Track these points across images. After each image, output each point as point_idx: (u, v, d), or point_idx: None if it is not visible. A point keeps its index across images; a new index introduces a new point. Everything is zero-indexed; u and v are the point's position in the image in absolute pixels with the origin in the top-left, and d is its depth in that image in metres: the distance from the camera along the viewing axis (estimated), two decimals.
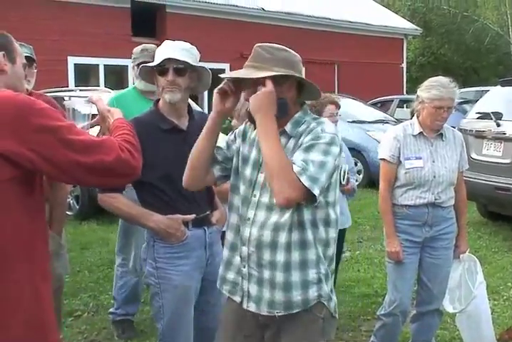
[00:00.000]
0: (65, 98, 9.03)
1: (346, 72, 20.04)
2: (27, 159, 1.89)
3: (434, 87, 3.71)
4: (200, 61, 3.16)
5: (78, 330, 4.70)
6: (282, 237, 2.39)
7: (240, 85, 2.45)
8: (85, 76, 14.85)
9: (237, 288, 2.53)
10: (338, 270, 5.06)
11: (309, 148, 2.29)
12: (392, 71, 21.69)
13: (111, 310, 4.75)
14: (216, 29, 16.48)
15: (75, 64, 14.30)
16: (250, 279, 2.48)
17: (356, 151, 10.36)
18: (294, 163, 2.25)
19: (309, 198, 2.26)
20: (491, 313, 4.32)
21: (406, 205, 3.83)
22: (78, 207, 8.62)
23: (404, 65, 23.12)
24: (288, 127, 2.43)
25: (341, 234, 4.86)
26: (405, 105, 15.23)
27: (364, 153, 11.09)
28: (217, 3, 16.75)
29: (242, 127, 2.60)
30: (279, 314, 2.45)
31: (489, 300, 4.34)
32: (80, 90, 9.91)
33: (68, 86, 13.01)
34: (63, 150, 1.92)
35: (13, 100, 1.93)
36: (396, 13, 25.98)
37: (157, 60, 3.03)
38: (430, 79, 3.83)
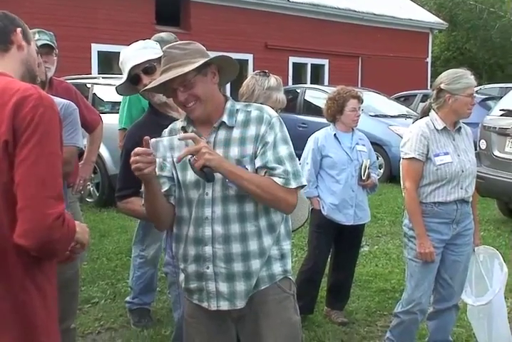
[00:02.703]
0: (88, 85, 9.09)
1: (370, 65, 19.91)
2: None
3: (462, 78, 3.73)
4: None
5: (94, 317, 4.73)
6: (252, 226, 2.42)
7: (167, 91, 2.47)
8: (108, 64, 14.88)
9: (203, 293, 2.50)
10: (356, 264, 5.04)
11: (273, 145, 2.39)
12: (417, 65, 21.51)
13: (128, 299, 4.77)
14: (240, 19, 16.45)
15: (98, 51, 14.35)
16: (217, 278, 2.45)
17: (377, 145, 10.28)
18: (272, 169, 2.37)
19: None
20: (508, 313, 4.27)
21: (435, 203, 3.77)
22: (98, 194, 8.68)
23: (429, 59, 22.92)
24: (225, 119, 2.44)
25: (360, 228, 4.84)
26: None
27: (386, 148, 11.02)
28: None
29: (164, 141, 2.49)
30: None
31: (506, 299, 4.28)
32: (103, 77, 9.94)
33: (91, 73, 13.05)
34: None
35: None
36: (422, 7, 25.73)
37: (125, 75, 3.09)
38: (449, 71, 3.83)
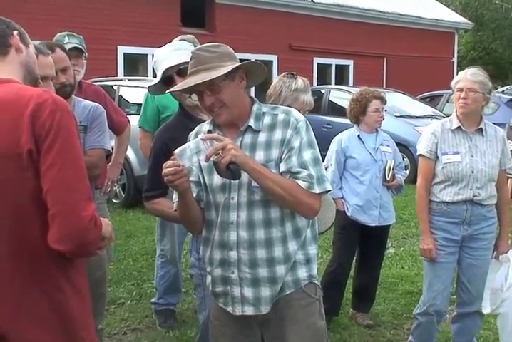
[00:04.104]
0: (114, 87, 9.15)
1: (395, 65, 19.79)
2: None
3: (459, 74, 3.82)
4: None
5: (121, 317, 4.76)
6: (277, 232, 2.40)
7: (194, 93, 2.46)
8: (134, 66, 14.99)
9: (228, 298, 2.49)
10: (381, 266, 5.02)
11: (298, 149, 2.37)
12: (442, 65, 21.33)
13: (153, 300, 4.80)
14: (265, 20, 16.45)
15: (124, 53, 14.45)
16: (242, 283, 2.44)
17: (403, 146, 10.21)
18: (296, 173, 2.35)
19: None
20: None
21: (444, 202, 3.77)
22: (124, 196, 8.73)
23: (455, 59, 22.73)
24: (252, 123, 2.42)
25: (385, 230, 4.81)
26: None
27: (411, 148, 10.92)
28: None
29: (190, 145, 2.38)
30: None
31: None
32: (129, 79, 10.01)
33: (117, 75, 13.15)
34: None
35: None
36: (448, 6, 25.53)
37: (159, 75, 3.09)
38: None
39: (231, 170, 2.26)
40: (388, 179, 4.61)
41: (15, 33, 2.12)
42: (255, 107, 2.47)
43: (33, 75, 2.19)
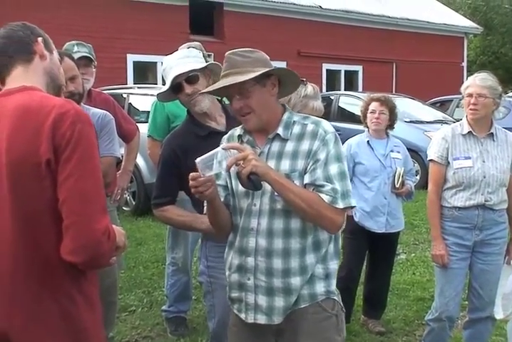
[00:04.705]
0: (124, 95, 9.18)
1: (404, 71, 19.76)
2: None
3: (468, 79, 3.80)
4: None
5: (132, 325, 4.76)
6: (296, 244, 2.37)
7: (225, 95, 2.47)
8: (144, 74, 15.04)
9: (242, 304, 2.48)
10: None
11: (324, 162, 2.33)
12: (452, 70, 21.28)
13: (164, 307, 4.79)
14: (273, 27, 16.48)
15: (134, 62, 14.51)
16: (257, 291, 2.43)
17: (413, 151, 10.17)
18: (320, 186, 2.31)
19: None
20: None
21: (455, 207, 3.76)
22: (134, 203, 8.74)
23: (465, 64, 22.67)
24: (280, 131, 2.41)
25: (394, 237, 4.76)
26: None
27: (422, 154, 10.87)
28: (274, 1, 16.75)
29: (219, 150, 2.38)
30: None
31: None
32: (138, 87, 10.04)
33: (126, 83, 13.20)
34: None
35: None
36: (457, 11, 25.48)
37: (168, 83, 3.07)
38: None
39: (252, 181, 2.24)
40: (397, 186, 4.58)
41: (39, 39, 2.12)
42: (286, 116, 2.45)
43: (57, 83, 2.19)
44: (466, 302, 4.16)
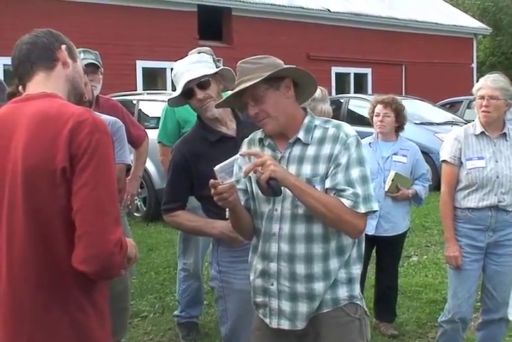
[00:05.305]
0: (134, 102, 9.22)
1: (414, 73, 19.71)
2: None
3: (480, 80, 3.77)
4: None
5: (144, 331, 4.77)
6: (319, 249, 2.36)
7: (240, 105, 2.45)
8: (153, 80, 15.09)
9: (267, 309, 2.48)
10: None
11: (345, 166, 2.30)
12: (462, 71, 21.21)
13: (176, 313, 4.80)
14: (282, 31, 16.49)
15: (143, 68, 14.56)
16: (281, 296, 2.42)
17: (424, 153, 10.10)
18: (341, 191, 2.29)
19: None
20: None
21: (468, 208, 3.74)
22: (145, 209, 8.76)
23: (474, 65, 22.59)
24: (301, 135, 2.39)
25: (393, 241, 4.67)
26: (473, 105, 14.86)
27: (432, 155, 10.84)
28: (282, 6, 16.75)
29: (238, 157, 2.42)
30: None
31: None
32: (148, 93, 10.08)
33: (136, 90, 13.24)
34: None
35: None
36: (466, 12, 25.41)
37: (179, 88, 3.05)
38: None
39: (271, 186, 2.23)
40: (385, 189, 4.51)
41: (63, 47, 2.13)
42: (307, 120, 2.43)
43: (79, 91, 2.19)
44: (479, 303, 4.14)
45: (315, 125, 2.41)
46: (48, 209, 1.90)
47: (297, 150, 2.40)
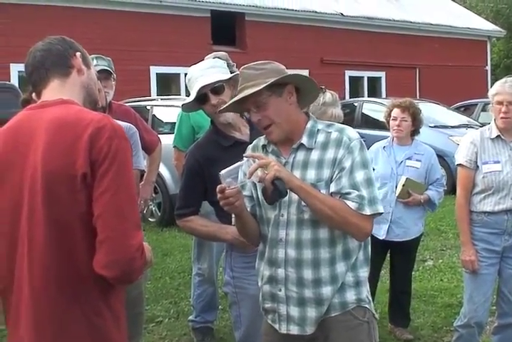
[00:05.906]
0: (148, 107, 9.26)
1: (428, 76, 19.66)
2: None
3: (496, 85, 3.74)
4: None
5: (159, 336, 4.78)
6: (325, 253, 2.36)
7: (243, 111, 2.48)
8: (167, 85, 15.16)
9: (275, 315, 2.48)
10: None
11: (350, 170, 2.30)
12: (476, 74, 21.14)
13: (190, 318, 4.80)
14: (295, 35, 16.52)
15: (157, 73, 14.62)
16: (289, 302, 2.42)
17: (438, 156, 10.06)
18: (346, 194, 2.29)
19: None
20: None
21: (484, 212, 3.73)
22: (159, 214, 8.79)
23: (489, 67, 22.50)
24: (305, 140, 2.39)
25: (406, 245, 4.62)
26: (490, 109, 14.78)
27: (447, 159, 10.79)
28: (295, 10, 16.80)
29: (243, 166, 2.39)
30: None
31: None
32: (161, 99, 10.11)
33: (150, 95, 13.30)
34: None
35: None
36: (479, 15, 25.31)
37: (193, 93, 3.05)
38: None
39: (277, 187, 2.22)
40: (396, 195, 4.47)
41: (78, 54, 2.13)
42: (310, 124, 2.43)
43: (93, 97, 2.20)
44: (495, 307, 4.12)
45: (318, 130, 2.42)
46: (67, 215, 1.91)
47: (300, 155, 2.40)
